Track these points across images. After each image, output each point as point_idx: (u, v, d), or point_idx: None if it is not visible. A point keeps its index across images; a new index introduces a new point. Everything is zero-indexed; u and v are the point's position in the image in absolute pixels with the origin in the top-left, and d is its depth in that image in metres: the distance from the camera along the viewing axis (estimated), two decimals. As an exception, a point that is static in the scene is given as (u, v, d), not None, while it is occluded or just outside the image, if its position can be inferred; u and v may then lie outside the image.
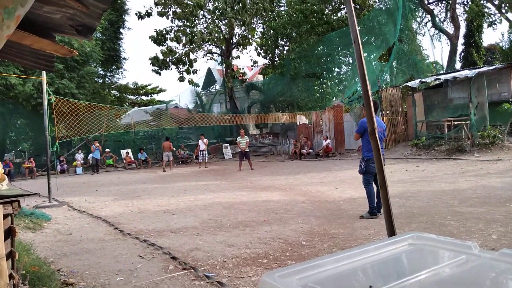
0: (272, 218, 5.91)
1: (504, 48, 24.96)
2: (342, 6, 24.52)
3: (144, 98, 37.04)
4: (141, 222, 6.17)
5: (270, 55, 25.91)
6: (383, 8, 21.22)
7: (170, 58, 24.39)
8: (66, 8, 2.79)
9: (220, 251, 4.35)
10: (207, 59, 28.02)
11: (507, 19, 22.19)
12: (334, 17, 24.22)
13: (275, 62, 25.70)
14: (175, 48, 24.52)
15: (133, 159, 21.17)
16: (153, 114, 23.33)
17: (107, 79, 29.41)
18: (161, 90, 37.71)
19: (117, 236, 5.27)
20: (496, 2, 21.00)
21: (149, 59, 24.28)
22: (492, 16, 22.35)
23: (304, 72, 23.39)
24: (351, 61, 22.85)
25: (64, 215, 7.16)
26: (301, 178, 11.34)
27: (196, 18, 23.40)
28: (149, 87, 36.63)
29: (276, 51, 25.59)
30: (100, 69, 27.80)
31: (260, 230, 5.23)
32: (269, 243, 4.58)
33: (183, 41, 23.72)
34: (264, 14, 23.42)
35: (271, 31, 24.41)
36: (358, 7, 24.10)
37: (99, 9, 3.09)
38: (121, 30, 27.62)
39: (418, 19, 23.88)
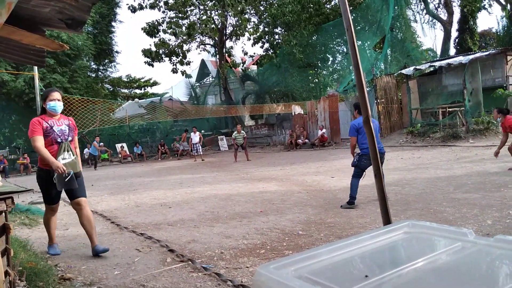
0: (269, 209, 5.93)
1: (498, 33, 24.95)
2: (336, -6, 24.37)
3: (138, 91, 36.79)
4: (138, 215, 6.17)
5: (267, 44, 25.73)
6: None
7: (163, 50, 24.19)
8: (54, 1, 2.74)
9: (217, 242, 4.36)
10: (200, 51, 27.79)
11: (500, 3, 22.12)
12: (328, 6, 24.06)
13: (271, 52, 25.54)
14: (168, 40, 24.33)
15: (128, 153, 21.10)
16: (147, 107, 23.19)
17: (100, 73, 29.19)
18: (154, 83, 37.46)
19: (114, 230, 5.26)
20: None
21: (142, 51, 24.08)
22: (485, 0, 22.29)
23: (300, 62, 23.28)
24: (345, 50, 22.76)
25: (60, 210, 7.09)
26: (297, 168, 11.36)
27: (188, 9, 23.18)
28: (142, 80, 36.37)
29: (274, 40, 25.40)
30: (92, 63, 27.57)
31: (257, 221, 5.24)
32: (266, 233, 4.59)
33: (176, 32, 23.52)
34: (260, 3, 23.26)
35: (268, 19, 24.19)
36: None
37: (88, 2, 3.04)
38: (113, 23, 27.35)
39: (412, 6, 23.77)
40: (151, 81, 37.08)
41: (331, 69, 24.93)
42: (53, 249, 4.24)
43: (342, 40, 22.23)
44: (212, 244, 4.29)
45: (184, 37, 23.55)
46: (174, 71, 25.24)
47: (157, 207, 6.79)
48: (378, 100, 16.49)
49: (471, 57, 14.37)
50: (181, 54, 24.74)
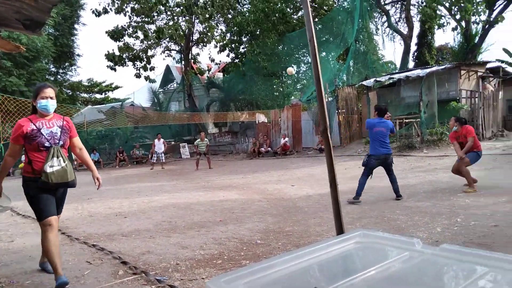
0: (228, 218, 5.85)
1: (453, 48, 26.38)
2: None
3: (98, 96, 35.65)
4: (90, 226, 5.89)
5: (233, 52, 25.76)
6: (341, 8, 21.70)
7: (127, 54, 23.65)
8: (11, 1, 2.58)
9: (173, 253, 4.23)
10: (166, 56, 27.38)
11: (457, 21, 23.40)
12: (295, 16, 24.48)
13: (237, 61, 25.59)
14: (133, 44, 23.82)
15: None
16: (107, 113, 22.45)
17: (59, 76, 28.10)
18: (116, 87, 36.47)
19: (64, 242, 4.99)
20: (447, 5, 22.08)
21: (105, 55, 23.42)
22: (443, 17, 23.49)
23: (265, 71, 23.47)
24: (310, 60, 23.21)
25: (7, 220, 6.70)
26: (259, 176, 11.36)
27: (155, 14, 22.84)
28: (104, 84, 35.30)
29: (240, 48, 25.49)
30: (52, 65, 26.50)
31: (215, 230, 5.14)
32: (224, 243, 4.51)
33: (141, 37, 23.09)
34: (228, 10, 23.27)
35: (235, 28, 24.28)
36: (316, 6, 24.52)
37: (48, 3, 2.89)
38: (76, 26, 26.49)
39: (375, 20, 24.68)
40: (113, 86, 36.08)
41: (295, 79, 25.30)
42: (61, 279, 3.29)
43: (306, 50, 22.66)
44: (167, 255, 4.16)
45: (150, 42, 23.14)
46: (138, 76, 24.72)
47: (112, 217, 6.53)
48: (339, 110, 16.88)
49: (428, 70, 15.03)
50: (145, 59, 24.28)
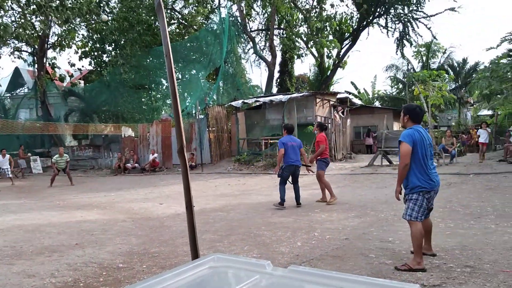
0: (86, 241, 5.30)
1: (310, 78, 29.55)
2: (173, 21, 24.71)
3: None
4: None
5: (95, 60, 23.92)
6: (210, 29, 22.28)
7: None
8: None
9: (16, 283, 3.65)
10: (15, 57, 23.89)
11: (312, 53, 26.33)
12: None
13: (100, 69, 23.86)
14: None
15: None
16: None
17: None
18: None
19: None
20: (305, 39, 24.70)
21: None
22: (301, 49, 26.15)
23: (132, 83, 22.44)
24: (180, 76, 23.12)
25: None
26: (124, 194, 10.67)
27: (1, 9, 19.80)
28: None
29: (104, 56, 23.81)
30: None
31: (70, 255, 4.60)
32: (80, 268, 4.06)
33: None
34: (87, 16, 21.49)
35: (97, 35, 22.66)
36: (186, 24, 24.71)
37: None
38: None
39: (242, 45, 26.04)
40: None
41: (165, 94, 24.84)
42: None
43: (176, 66, 22.50)
44: (8, 286, 3.56)
45: None
46: (-24, 76, 20.98)
47: None
48: (210, 129, 17.14)
49: (289, 96, 16.45)
50: (-14, 58, 20.83)
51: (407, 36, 26.84)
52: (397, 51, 27.96)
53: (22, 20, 20.00)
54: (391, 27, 26.72)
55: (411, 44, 27.34)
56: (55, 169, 13.74)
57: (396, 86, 32.32)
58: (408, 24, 26.41)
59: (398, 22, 26.56)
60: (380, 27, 26.87)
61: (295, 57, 26.60)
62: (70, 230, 6.06)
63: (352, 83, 22.25)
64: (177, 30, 25.46)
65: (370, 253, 4.19)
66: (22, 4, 19.48)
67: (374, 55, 71.71)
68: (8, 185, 14.10)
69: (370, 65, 74.43)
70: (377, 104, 32.12)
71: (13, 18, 20.71)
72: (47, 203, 9.38)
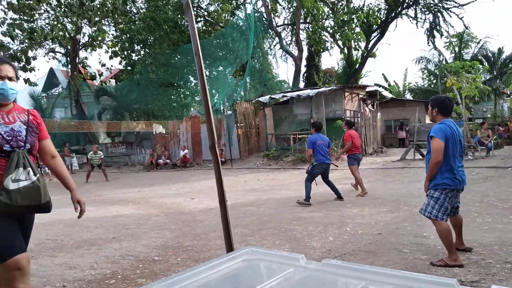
0: (122, 234, 5.49)
1: (338, 72, 29.14)
2: (199, 19, 24.95)
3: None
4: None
5: (125, 60, 24.54)
6: (236, 26, 22.36)
7: (2, 53, 20.83)
8: None
9: (59, 275, 3.81)
10: (50, 58, 24.86)
11: (339, 46, 25.93)
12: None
13: (130, 68, 24.47)
14: (8, 43, 21.08)
15: None
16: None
17: None
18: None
19: None
20: (331, 31, 24.38)
21: (-27, 52, 20.31)
22: (327, 42, 25.80)
23: (162, 81, 22.88)
24: (208, 73, 23.35)
25: None
26: (157, 189, 10.94)
27: (36, 13, 20.59)
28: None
29: (133, 56, 24.39)
30: None
31: (108, 248, 4.78)
32: (118, 261, 4.21)
33: (19, 37, 20.54)
34: (116, 16, 22.00)
35: (125, 35, 23.21)
36: (212, 21, 24.89)
37: None
38: None
39: (268, 40, 25.99)
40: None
41: (193, 91, 25.18)
42: None
43: (204, 63, 22.69)
44: (52, 277, 3.74)
45: (26, 42, 20.71)
46: (15, 77, 21.89)
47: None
48: (238, 124, 17.27)
49: (316, 90, 16.31)
50: (24, 60, 21.70)
51: (438, 27, 25.93)
52: (428, 42, 27.13)
53: (55, 22, 20.73)
54: (421, 18, 25.84)
55: (442, 35, 26.41)
56: (90, 165, 14.27)
57: (428, 78, 31.39)
58: (439, 14, 25.47)
59: (428, 12, 25.63)
60: (409, 18, 26.06)
61: (322, 50, 26.28)
62: (107, 224, 6.29)
63: (383, 75, 21.95)
64: (204, 27, 25.70)
65: (404, 248, 4.13)
66: (53, 6, 20.16)
67: (403, 46, 69.86)
68: (46, 181, 14.75)
69: (400, 56, 72.58)
70: (408, 96, 31.32)
71: (47, 21, 21.51)
72: (84, 198, 9.67)
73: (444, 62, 27.34)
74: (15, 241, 2.20)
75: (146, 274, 3.78)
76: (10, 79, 2.31)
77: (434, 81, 28.63)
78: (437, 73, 27.41)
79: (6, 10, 20.00)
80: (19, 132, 2.30)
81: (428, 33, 26.46)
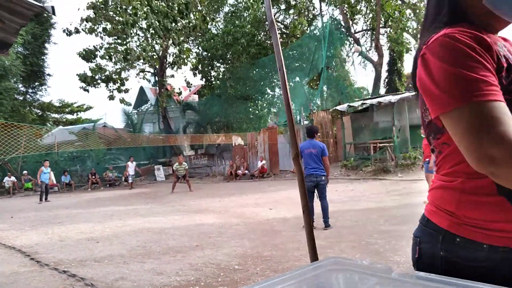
0: (205, 242, 5.73)
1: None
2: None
3: (69, 116, 34.77)
4: (61, 251, 5.65)
5: (206, 76, 25.89)
6: (312, 35, 22.33)
7: (100, 75, 23.32)
8: None
9: (148, 280, 4.09)
10: (140, 78, 27.24)
11: (421, 48, 24.43)
12: (268, 42, 25.00)
13: (211, 84, 25.74)
14: (105, 65, 23.53)
15: (55, 182, 19.59)
16: (78, 134, 21.88)
17: (28, 96, 27.41)
18: (88, 108, 35.74)
19: (33, 268, 4.75)
20: (414, 32, 23.16)
21: (77, 75, 23.02)
22: (409, 44, 24.52)
23: (240, 94, 23.67)
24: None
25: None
26: (236, 199, 11.26)
27: (128, 36, 22.73)
28: (75, 105, 34.54)
29: (212, 72, 25.66)
30: (21, 85, 25.84)
31: (192, 255, 5.03)
32: (200, 269, 4.41)
33: (114, 59, 22.83)
34: (198, 33, 23.35)
35: (205, 52, 24.51)
36: (288, 33, 25.13)
37: (16, 24, 2.84)
38: (46, 45, 26.06)
39: (347, 47, 25.49)
40: (85, 106, 35.33)
41: (270, 102, 25.62)
42: None
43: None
44: (142, 282, 4.02)
45: (121, 62, 22.89)
46: (111, 97, 24.33)
47: (84, 241, 6.28)
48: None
49: (399, 96, 15.53)
50: (119, 81, 24.01)
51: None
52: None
53: (144, 44, 22.65)
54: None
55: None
56: (175, 176, 15.15)
57: None
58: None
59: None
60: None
61: (405, 51, 25.02)
62: (191, 232, 6.63)
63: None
64: (280, 39, 26.07)
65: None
66: (144, 30, 22.09)
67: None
68: (132, 192, 16.19)
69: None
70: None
71: (137, 43, 23.60)
72: (170, 207, 10.39)
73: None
74: None
75: (227, 283, 3.89)
76: None
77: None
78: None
79: (103, 35, 22.38)
80: None
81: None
